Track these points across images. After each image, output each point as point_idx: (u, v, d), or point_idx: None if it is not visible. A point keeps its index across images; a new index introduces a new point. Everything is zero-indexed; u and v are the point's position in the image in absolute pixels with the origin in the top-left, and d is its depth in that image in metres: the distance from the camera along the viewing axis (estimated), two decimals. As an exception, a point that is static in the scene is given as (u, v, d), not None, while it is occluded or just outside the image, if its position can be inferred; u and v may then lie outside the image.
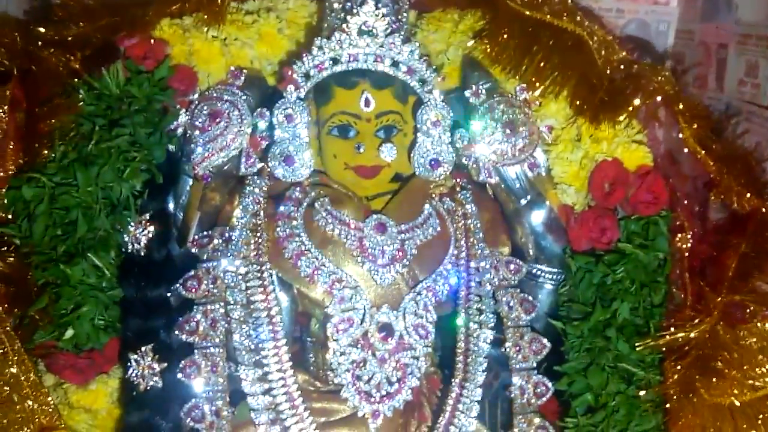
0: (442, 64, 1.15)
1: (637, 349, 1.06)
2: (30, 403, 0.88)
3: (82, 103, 0.99)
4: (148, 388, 1.01)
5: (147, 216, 1.04)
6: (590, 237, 1.10)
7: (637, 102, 1.09)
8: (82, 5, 1.04)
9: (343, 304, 1.02)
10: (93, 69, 1.01)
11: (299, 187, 1.07)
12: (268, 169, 1.06)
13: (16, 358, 0.89)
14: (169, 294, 1.05)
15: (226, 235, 1.04)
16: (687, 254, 1.07)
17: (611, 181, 1.10)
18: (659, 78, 1.11)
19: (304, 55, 1.04)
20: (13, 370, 0.88)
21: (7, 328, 0.90)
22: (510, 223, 1.15)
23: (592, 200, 1.11)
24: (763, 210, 1.03)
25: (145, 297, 1.04)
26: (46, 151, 0.98)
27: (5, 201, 0.97)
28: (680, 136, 1.10)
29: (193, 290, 1.02)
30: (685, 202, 1.11)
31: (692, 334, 0.99)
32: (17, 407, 0.88)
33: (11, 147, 0.93)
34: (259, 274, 1.03)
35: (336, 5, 1.05)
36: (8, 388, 0.87)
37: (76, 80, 0.99)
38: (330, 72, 1.04)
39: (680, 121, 1.09)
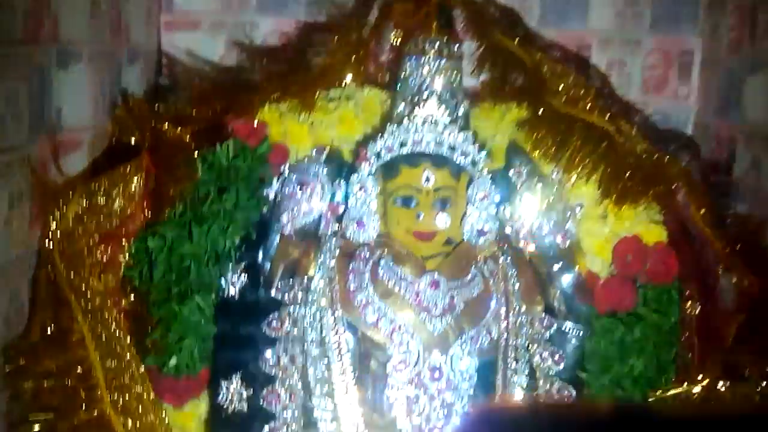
0: (490, 148, 1.32)
1: (650, 399, 1.20)
2: (151, 416, 1.07)
3: (198, 172, 1.19)
4: (235, 410, 1.19)
5: (242, 266, 1.23)
6: (612, 301, 1.26)
7: (656, 188, 1.27)
8: (199, 89, 1.26)
9: (400, 347, 1.19)
10: (205, 144, 1.22)
11: (367, 246, 1.24)
12: (342, 231, 1.25)
13: (141, 379, 1.08)
14: (256, 331, 1.22)
15: (305, 283, 1.23)
16: (696, 320, 1.23)
17: (632, 254, 1.27)
18: (677, 167, 1.30)
19: (377, 138, 1.23)
20: (139, 388, 1.07)
21: (133, 355, 1.09)
22: (543, 284, 1.30)
23: (614, 269, 1.27)
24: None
25: (236, 333, 1.22)
26: (168, 210, 1.17)
27: (133, 249, 1.17)
28: (691, 216, 1.27)
29: (276, 329, 1.21)
30: (696, 274, 1.27)
31: (695, 389, 1.14)
32: (142, 419, 1.07)
33: (143, 206, 1.13)
34: (332, 318, 1.21)
35: (406, 98, 1.26)
36: (135, 402, 1.06)
37: (195, 153, 1.20)
38: (398, 153, 1.23)
39: (692, 204, 1.27)
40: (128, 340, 1.10)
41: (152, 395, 1.10)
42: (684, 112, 1.58)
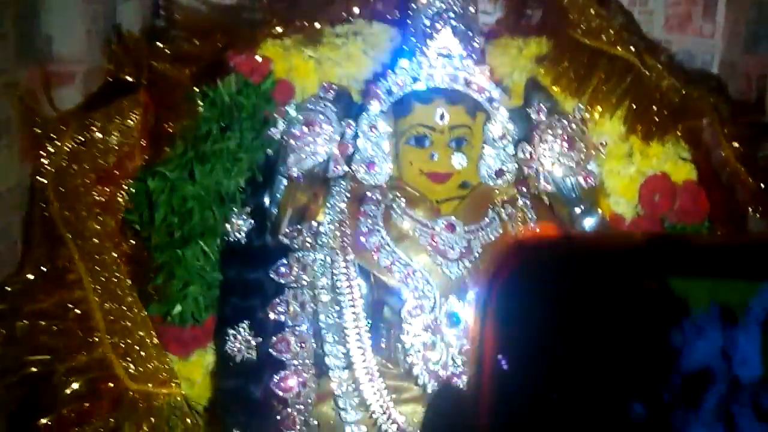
0: (508, 85, 1.27)
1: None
2: (155, 362, 1.03)
3: (199, 108, 1.14)
4: (244, 359, 1.14)
5: (248, 209, 1.17)
6: None
7: (685, 123, 1.22)
8: (198, 25, 1.20)
9: (416, 292, 1.14)
10: (206, 81, 1.16)
11: (379, 189, 1.19)
12: (352, 173, 1.20)
13: (143, 323, 1.04)
14: (264, 278, 1.16)
15: (315, 228, 1.18)
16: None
17: (659, 192, 1.22)
18: (706, 102, 1.23)
19: (388, 73, 1.18)
20: (141, 333, 1.02)
21: (135, 299, 1.04)
22: (565, 228, 1.25)
23: (641, 210, 1.22)
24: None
25: (243, 280, 1.17)
26: (168, 149, 1.12)
27: (132, 190, 1.12)
28: (723, 154, 1.22)
29: (285, 276, 1.16)
30: (727, 214, 1.22)
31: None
32: (146, 365, 1.02)
33: (142, 144, 1.07)
34: (343, 263, 1.16)
35: (418, 31, 1.20)
36: (138, 347, 1.02)
37: (195, 89, 1.14)
38: (410, 89, 1.17)
39: (723, 142, 1.21)
40: (128, 283, 1.05)
41: (155, 341, 1.05)
42: (709, 50, 1.51)
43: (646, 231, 1.11)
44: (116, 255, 1.07)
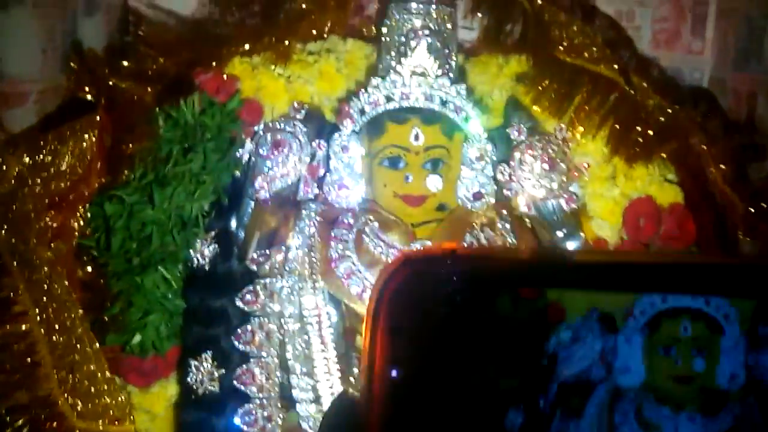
0: (488, 103, 1.23)
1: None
2: (106, 398, 0.97)
3: (161, 130, 1.09)
4: (206, 392, 1.09)
5: (212, 234, 1.12)
6: None
7: (670, 144, 1.16)
8: (162, 42, 1.15)
9: (388, 322, 1.10)
10: (169, 100, 1.12)
11: (351, 212, 1.15)
12: (323, 196, 1.15)
13: (94, 356, 0.98)
14: (229, 306, 1.11)
15: (283, 254, 1.13)
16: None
17: (644, 216, 1.16)
18: (693, 121, 1.19)
19: (361, 92, 1.13)
20: (92, 367, 0.97)
21: (86, 331, 0.99)
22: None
23: (625, 235, 1.17)
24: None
25: (206, 308, 1.12)
26: (127, 172, 1.07)
27: (88, 215, 1.07)
28: (711, 176, 1.16)
29: (251, 303, 1.10)
30: (715, 239, 1.17)
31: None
32: (95, 401, 0.96)
33: (98, 167, 1.02)
34: (312, 291, 1.11)
35: (392, 48, 1.15)
36: (87, 382, 0.96)
37: (157, 109, 1.09)
38: (383, 108, 1.13)
39: (711, 163, 1.16)
40: (80, 314, 0.99)
41: (109, 375, 0.99)
42: (698, 67, 1.46)
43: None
44: (69, 283, 1.01)
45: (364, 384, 0.71)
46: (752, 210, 1.10)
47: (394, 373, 0.67)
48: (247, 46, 1.14)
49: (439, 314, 0.66)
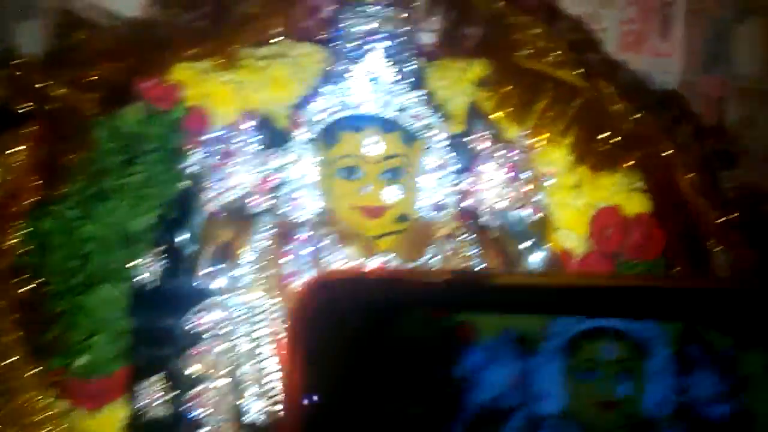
0: (448, 110, 1.18)
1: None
2: (48, 427, 0.92)
3: (100, 140, 1.04)
4: (157, 415, 1.04)
5: (160, 249, 1.07)
6: None
7: (638, 151, 1.12)
8: (102, 47, 1.10)
9: (346, 340, 1.05)
10: (111, 109, 1.06)
11: (307, 225, 1.10)
12: (278, 208, 1.11)
13: (34, 382, 0.92)
14: (178, 325, 1.07)
15: (235, 270, 1.08)
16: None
17: (611, 227, 1.12)
18: (662, 127, 1.15)
19: (313, 99, 1.08)
20: (30, 394, 0.91)
21: (24, 355, 0.93)
22: (511, 265, 1.16)
23: (591, 245, 1.13)
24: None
25: (155, 328, 1.07)
26: (65, 186, 1.02)
27: (24, 232, 1.01)
28: (680, 184, 1.13)
29: (203, 323, 1.06)
30: (685, 250, 1.13)
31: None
32: (36, 430, 0.91)
33: (34, 181, 0.97)
34: (267, 309, 1.07)
35: (345, 54, 1.10)
36: (25, 410, 0.90)
37: (95, 119, 1.03)
38: (337, 116, 1.08)
39: (680, 170, 1.12)
40: (15, 337, 0.94)
41: (52, 400, 0.94)
42: (667, 70, 1.43)
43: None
44: (7, 304, 0.95)
45: (286, 409, 0.68)
46: (724, 219, 1.06)
47: (308, 400, 0.64)
48: (192, 51, 1.08)
49: (351, 338, 0.64)
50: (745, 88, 1.24)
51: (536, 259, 1.15)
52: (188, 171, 1.09)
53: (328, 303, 0.66)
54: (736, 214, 1.05)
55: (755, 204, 1.11)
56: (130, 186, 1.05)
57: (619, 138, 1.12)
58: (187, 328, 1.06)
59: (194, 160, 1.09)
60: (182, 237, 1.09)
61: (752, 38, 1.21)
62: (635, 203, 1.13)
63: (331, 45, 1.14)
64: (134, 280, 1.06)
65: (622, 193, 1.13)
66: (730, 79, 1.28)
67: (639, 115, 1.15)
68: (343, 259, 1.07)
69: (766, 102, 1.19)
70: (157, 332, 1.07)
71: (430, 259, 1.10)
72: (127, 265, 1.06)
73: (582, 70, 1.14)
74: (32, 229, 1.01)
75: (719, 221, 1.08)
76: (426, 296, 0.66)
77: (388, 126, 1.08)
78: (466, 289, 0.66)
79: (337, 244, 1.08)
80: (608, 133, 1.12)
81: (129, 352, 1.07)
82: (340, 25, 1.10)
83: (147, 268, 1.06)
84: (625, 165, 1.12)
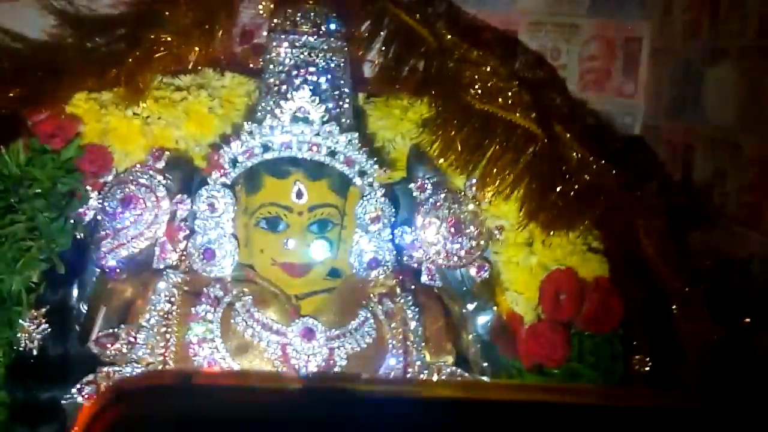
0: (388, 154, 1.07)
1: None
2: None
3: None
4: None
5: (43, 311, 0.93)
6: (539, 353, 1.00)
7: (596, 209, 1.01)
8: (-7, 73, 0.95)
9: (258, 421, 0.91)
10: (-6, 147, 0.92)
11: (220, 283, 0.97)
12: (187, 263, 0.97)
13: None
14: (62, 400, 0.94)
15: (132, 336, 0.94)
16: (645, 379, 0.98)
17: (564, 292, 1.01)
18: (623, 180, 1.04)
19: (232, 139, 0.95)
20: None
21: None
22: (455, 330, 1.05)
23: (542, 312, 1.02)
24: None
25: (35, 401, 0.93)
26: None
27: None
28: (641, 246, 1.02)
29: (92, 397, 0.92)
30: (645, 320, 1.02)
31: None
32: None
33: None
34: (165, 383, 0.93)
35: (271, 88, 0.97)
36: None
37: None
38: (260, 159, 0.95)
39: (641, 231, 1.01)
40: None
41: None
42: (630, 112, 1.34)
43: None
44: None
45: None
46: (689, 290, 0.95)
47: None
48: (93, 80, 0.94)
49: None
50: (716, 138, 1.14)
51: (483, 321, 1.05)
52: (81, 219, 0.96)
53: (131, 421, 0.55)
54: (701, 287, 0.94)
55: (724, 276, 1.00)
56: (9, 237, 0.91)
57: (576, 191, 1.01)
58: (72, 403, 0.93)
59: (89, 205, 0.95)
60: (71, 297, 0.96)
61: (724, 83, 1.11)
62: (592, 265, 1.02)
63: (261, 76, 1.00)
64: (11, 347, 0.93)
65: (578, 254, 1.02)
66: (699, 127, 1.18)
67: (598, 166, 1.03)
68: (257, 325, 0.94)
69: (738, 155, 1.08)
70: (36, 408, 0.93)
71: (363, 322, 0.98)
72: (3, 330, 0.91)
73: (537, 112, 1.02)
74: None
75: (684, 292, 0.97)
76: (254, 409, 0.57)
77: (316, 172, 0.95)
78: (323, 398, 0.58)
79: (252, 306, 0.95)
80: (564, 186, 1.01)
81: (3, 429, 0.94)
82: (271, 55, 0.97)
83: (28, 333, 0.92)
84: (582, 223, 1.01)
